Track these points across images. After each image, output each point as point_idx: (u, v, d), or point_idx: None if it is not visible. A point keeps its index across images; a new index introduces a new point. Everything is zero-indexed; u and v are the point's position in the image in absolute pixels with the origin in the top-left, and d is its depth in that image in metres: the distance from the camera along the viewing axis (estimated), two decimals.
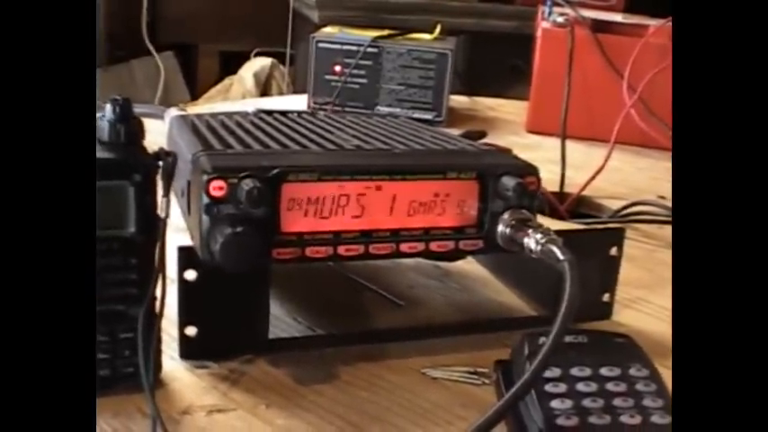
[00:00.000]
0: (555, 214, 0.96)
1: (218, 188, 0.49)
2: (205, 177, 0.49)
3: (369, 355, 0.59)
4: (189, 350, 0.57)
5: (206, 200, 0.50)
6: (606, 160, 0.99)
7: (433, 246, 0.55)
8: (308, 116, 0.75)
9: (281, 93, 2.47)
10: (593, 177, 0.99)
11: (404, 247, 0.54)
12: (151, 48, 2.56)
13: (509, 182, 0.54)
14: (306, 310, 0.66)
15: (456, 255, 0.73)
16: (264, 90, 2.51)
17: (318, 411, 0.53)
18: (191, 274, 0.55)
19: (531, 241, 0.52)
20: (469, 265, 0.75)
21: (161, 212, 0.50)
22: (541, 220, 0.91)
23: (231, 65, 2.63)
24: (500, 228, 0.55)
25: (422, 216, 0.54)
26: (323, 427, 0.51)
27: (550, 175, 1.01)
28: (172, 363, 0.57)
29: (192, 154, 0.54)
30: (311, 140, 0.60)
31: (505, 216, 0.55)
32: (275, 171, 0.50)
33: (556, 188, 1.01)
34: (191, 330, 0.56)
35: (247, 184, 0.49)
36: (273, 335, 0.60)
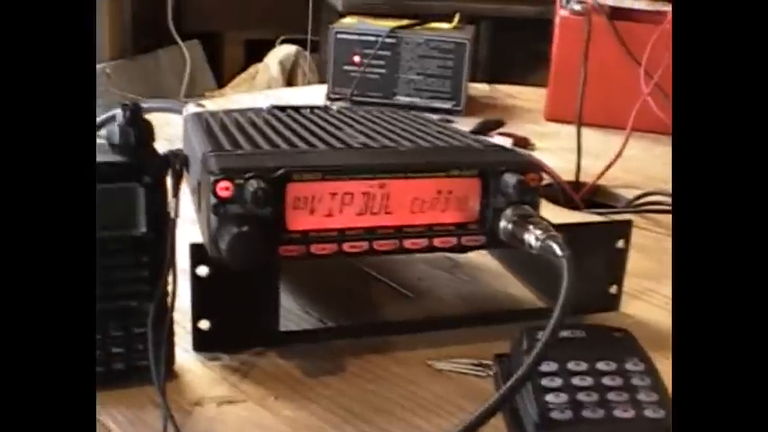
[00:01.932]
0: (570, 204, 0.97)
1: (224, 188, 0.51)
2: (212, 178, 0.51)
3: (377, 347, 0.61)
4: (202, 343, 0.59)
5: (213, 200, 0.51)
6: (622, 149, 1.00)
7: (437, 242, 0.56)
8: (321, 112, 0.76)
9: (306, 80, 2.49)
10: (608, 167, 0.99)
11: (407, 243, 0.55)
12: (177, 37, 2.58)
13: (510, 179, 0.55)
14: (317, 302, 0.67)
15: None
16: (290, 77, 2.53)
17: (324, 403, 0.54)
18: (203, 270, 0.56)
19: (531, 237, 0.53)
20: (480, 257, 0.77)
21: (171, 212, 0.52)
22: (556, 210, 0.93)
23: (257, 53, 2.65)
24: (502, 223, 0.56)
25: (425, 213, 0.55)
26: (327, 418, 0.53)
27: (567, 164, 1.02)
28: (185, 355, 0.58)
29: (202, 154, 0.55)
30: (319, 138, 0.61)
31: (507, 212, 0.56)
32: (280, 172, 0.52)
33: (572, 177, 1.02)
34: (203, 324, 0.58)
35: (252, 184, 0.50)
36: (284, 327, 0.62)
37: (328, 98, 1.28)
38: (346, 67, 1.26)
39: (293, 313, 0.65)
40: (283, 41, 2.63)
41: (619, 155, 0.99)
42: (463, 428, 0.44)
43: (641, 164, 1.10)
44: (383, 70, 1.26)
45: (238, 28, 2.77)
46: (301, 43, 2.57)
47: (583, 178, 1.02)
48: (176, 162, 0.52)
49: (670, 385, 0.50)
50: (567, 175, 1.01)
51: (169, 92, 2.45)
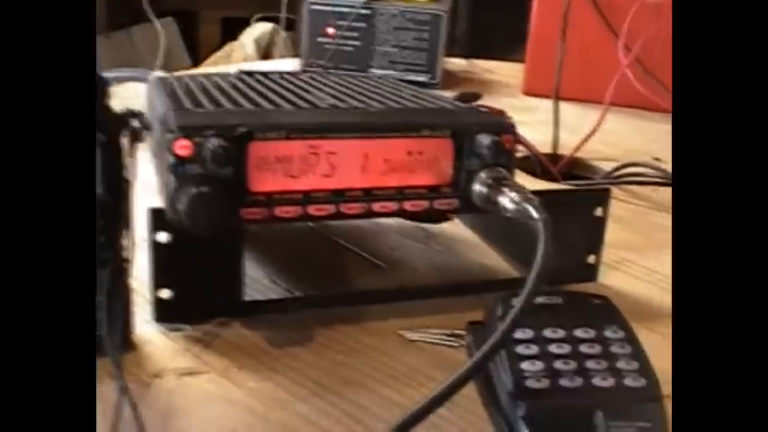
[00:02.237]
0: (548, 176, 0.95)
1: (183, 147, 0.48)
2: (170, 136, 0.48)
3: (347, 318, 0.58)
4: (163, 313, 0.56)
5: (172, 159, 0.48)
6: (600, 121, 0.97)
7: (407, 205, 0.53)
8: (290, 76, 0.73)
9: (282, 58, 2.45)
10: (586, 139, 0.97)
11: (376, 206, 0.53)
12: (151, 14, 2.53)
13: (484, 139, 0.53)
14: (285, 272, 0.65)
15: (438, 216, 0.72)
16: (265, 55, 2.49)
17: (291, 374, 0.52)
18: (163, 236, 0.54)
19: (506, 200, 0.51)
20: (455, 227, 0.74)
21: (128, 174, 0.49)
22: (534, 181, 0.91)
23: (232, 31, 2.60)
24: (476, 187, 0.54)
25: (395, 175, 0.53)
26: (294, 391, 0.50)
27: (545, 137, 1.00)
28: (147, 326, 0.56)
29: (161, 113, 0.52)
30: (287, 100, 0.59)
31: (481, 175, 0.53)
32: (242, 130, 0.49)
33: (550, 150, 1.00)
34: (165, 293, 0.55)
35: (213, 143, 0.48)
36: (250, 297, 0.59)
37: (302, 71, 1.25)
38: (320, 39, 1.24)
39: (260, 283, 0.63)
40: (259, 19, 2.59)
41: (597, 127, 0.97)
42: (434, 397, 0.42)
43: (621, 137, 1.08)
44: (358, 42, 1.23)
45: (214, 6, 2.73)
46: (277, 21, 2.53)
47: (561, 152, 1.00)
48: (133, 120, 0.49)
49: (651, 355, 0.48)
50: (544, 148, 0.99)
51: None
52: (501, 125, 0.55)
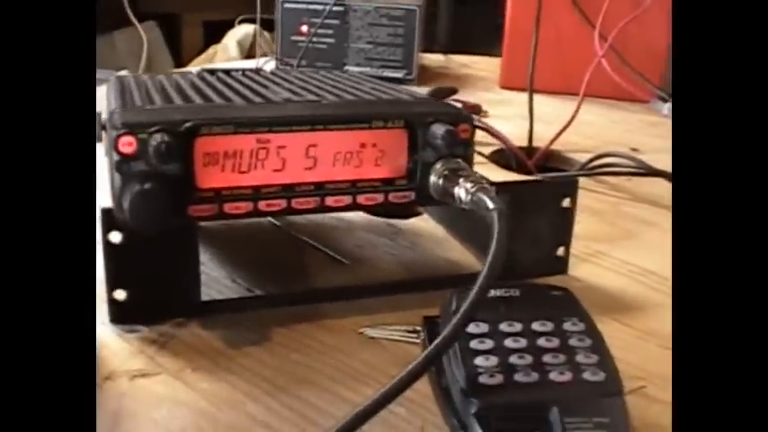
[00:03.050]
0: (523, 170, 0.93)
1: (127, 144, 0.47)
2: (114, 133, 0.47)
3: (306, 316, 0.57)
4: (118, 314, 0.55)
5: (116, 156, 0.47)
6: (575, 113, 0.96)
7: (361, 199, 0.52)
8: (253, 74, 0.72)
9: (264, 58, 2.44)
10: (561, 131, 0.96)
11: (329, 200, 0.52)
12: (133, 18, 2.52)
13: (439, 129, 0.51)
14: (246, 270, 0.63)
15: (406, 211, 0.71)
16: (249, 56, 2.47)
17: (246, 375, 0.50)
18: (116, 237, 0.53)
19: (462, 191, 0.49)
20: (424, 223, 0.73)
21: None
22: (508, 175, 0.90)
23: (215, 33, 2.59)
24: (432, 178, 0.52)
25: (347, 168, 0.51)
26: (248, 391, 0.49)
27: (520, 130, 0.99)
28: (102, 328, 0.55)
29: (108, 111, 0.51)
30: (241, 95, 0.57)
31: (437, 166, 0.52)
32: (188, 125, 0.48)
33: (525, 143, 0.99)
34: (119, 294, 0.54)
35: (157, 138, 0.46)
36: (209, 297, 0.58)
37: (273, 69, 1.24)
38: (294, 38, 1.23)
39: (221, 283, 0.61)
40: (242, 21, 2.58)
41: (572, 118, 0.96)
42: (384, 393, 0.40)
43: (598, 129, 1.07)
44: (332, 39, 1.22)
45: (196, 9, 2.71)
46: (261, 23, 2.52)
47: (537, 144, 0.99)
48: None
49: (620, 348, 0.47)
50: (520, 141, 0.98)
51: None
52: (456, 114, 0.54)
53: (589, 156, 0.95)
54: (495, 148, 0.96)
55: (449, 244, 0.71)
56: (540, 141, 0.98)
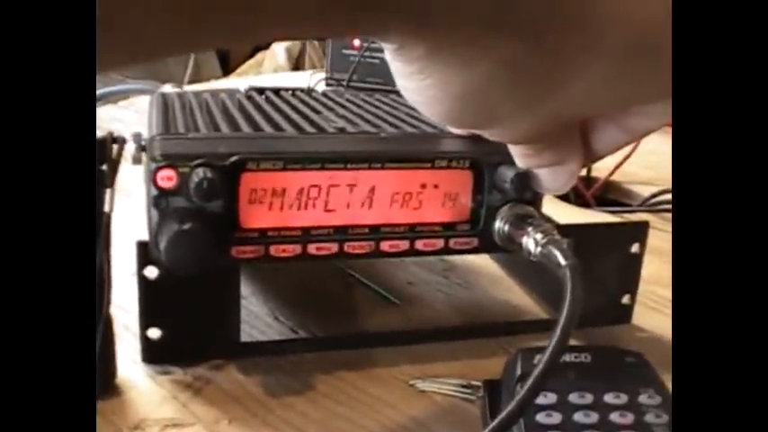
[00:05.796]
0: (580, 201, 0.89)
1: (166, 178, 0.43)
2: (154, 165, 0.43)
3: (353, 363, 0.53)
4: (151, 354, 0.51)
5: (154, 191, 0.43)
6: (638, 142, 0.91)
7: (419, 244, 0.48)
8: (303, 95, 0.68)
9: (313, 66, 2.41)
10: (623, 161, 0.91)
11: (384, 245, 0.47)
12: None
13: (508, 172, 0.47)
14: (290, 308, 0.60)
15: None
16: (297, 64, 2.45)
17: (285, 428, 0.46)
18: (152, 272, 0.49)
19: (530, 241, 0.45)
20: (479, 260, 0.69)
21: (104, 205, 0.44)
22: (564, 207, 0.85)
23: None
24: (497, 224, 0.48)
25: (406, 210, 0.47)
26: None
27: None
28: (134, 367, 0.51)
29: (148, 138, 0.47)
30: (292, 122, 0.53)
31: (503, 211, 0.48)
32: (233, 159, 0.44)
33: (583, 172, 0.94)
34: (153, 332, 0.51)
35: (199, 174, 0.42)
36: (249, 336, 0.55)
37: (326, 84, 1.20)
38: (345, 51, 1.18)
39: (261, 320, 0.58)
40: None
41: (634, 148, 0.90)
42: None
43: (660, 159, 1.02)
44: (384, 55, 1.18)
45: None
46: None
47: (595, 173, 0.94)
48: (112, 146, 0.44)
49: None
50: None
51: (173, 80, 2.37)
52: None
53: (652, 189, 0.90)
54: None
55: (505, 283, 0.66)
56: (598, 170, 0.94)
